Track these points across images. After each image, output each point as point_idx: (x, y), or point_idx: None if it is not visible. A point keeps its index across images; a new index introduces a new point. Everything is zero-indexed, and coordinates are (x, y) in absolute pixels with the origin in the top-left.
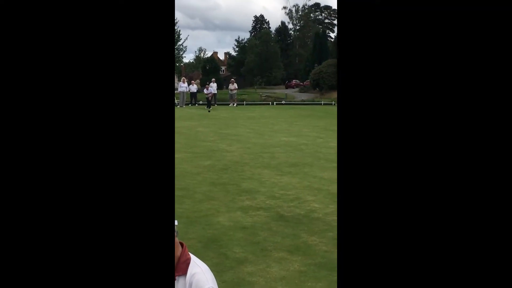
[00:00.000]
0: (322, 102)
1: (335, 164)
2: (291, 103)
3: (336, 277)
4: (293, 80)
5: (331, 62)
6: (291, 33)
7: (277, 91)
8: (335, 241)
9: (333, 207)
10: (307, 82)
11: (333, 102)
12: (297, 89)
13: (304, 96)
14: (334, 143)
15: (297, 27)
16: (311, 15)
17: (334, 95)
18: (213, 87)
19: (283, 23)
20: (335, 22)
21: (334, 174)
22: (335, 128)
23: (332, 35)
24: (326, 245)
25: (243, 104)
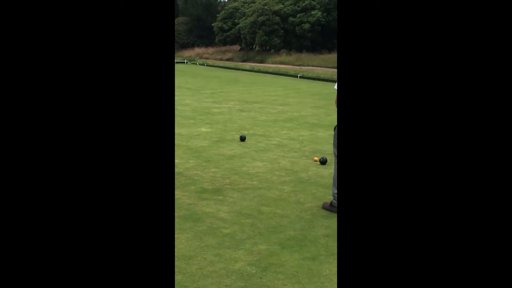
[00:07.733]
0: (175, 60)
1: (192, 121)
2: None
3: (201, 227)
4: None
5: (182, 20)
6: None
7: None
8: (198, 194)
9: (193, 162)
10: None
11: (185, 61)
12: None
13: None
14: (189, 100)
15: None
16: None
17: (187, 53)
18: None
19: None
20: None
21: (191, 131)
22: (190, 86)
23: None
24: (189, 198)
25: None
